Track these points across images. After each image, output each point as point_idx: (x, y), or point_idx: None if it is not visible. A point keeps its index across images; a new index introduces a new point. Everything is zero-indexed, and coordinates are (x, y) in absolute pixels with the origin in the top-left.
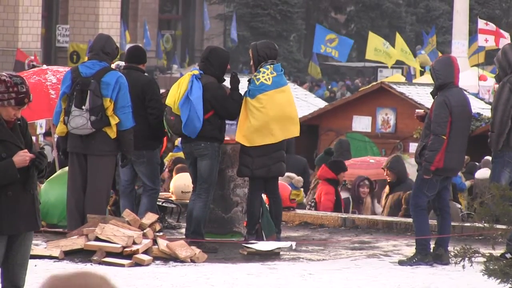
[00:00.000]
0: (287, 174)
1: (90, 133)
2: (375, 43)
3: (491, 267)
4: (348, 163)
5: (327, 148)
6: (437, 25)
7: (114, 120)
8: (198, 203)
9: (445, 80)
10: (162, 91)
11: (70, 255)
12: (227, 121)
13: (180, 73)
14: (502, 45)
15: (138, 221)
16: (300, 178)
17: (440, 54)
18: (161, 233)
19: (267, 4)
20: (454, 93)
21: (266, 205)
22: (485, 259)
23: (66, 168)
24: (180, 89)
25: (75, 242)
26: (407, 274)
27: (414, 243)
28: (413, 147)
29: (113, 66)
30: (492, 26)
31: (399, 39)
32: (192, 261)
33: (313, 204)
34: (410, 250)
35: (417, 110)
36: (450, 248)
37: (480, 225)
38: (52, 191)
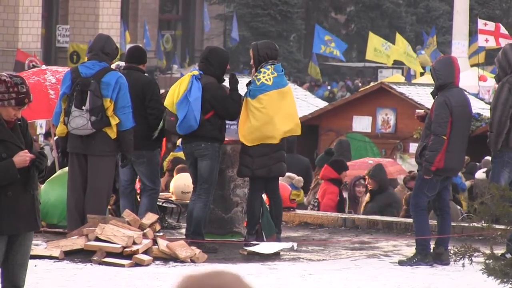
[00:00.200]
0: (287, 174)
1: (90, 134)
2: (375, 43)
3: (491, 266)
4: (347, 164)
5: (327, 148)
6: (437, 25)
7: (114, 121)
8: (198, 203)
9: (445, 80)
10: (162, 91)
11: (70, 255)
12: (227, 122)
13: (180, 73)
14: (503, 45)
15: (138, 221)
16: (300, 178)
17: (441, 55)
18: (161, 233)
19: (267, 4)
20: (455, 94)
21: (266, 205)
22: (485, 258)
23: (66, 168)
24: (179, 90)
25: (75, 242)
26: (407, 274)
27: (414, 243)
28: (413, 147)
29: (113, 66)
30: (491, 26)
31: (399, 39)
32: (192, 261)
33: (316, 204)
34: (410, 250)
35: (417, 110)
36: (450, 247)
37: (479, 225)
38: (52, 191)
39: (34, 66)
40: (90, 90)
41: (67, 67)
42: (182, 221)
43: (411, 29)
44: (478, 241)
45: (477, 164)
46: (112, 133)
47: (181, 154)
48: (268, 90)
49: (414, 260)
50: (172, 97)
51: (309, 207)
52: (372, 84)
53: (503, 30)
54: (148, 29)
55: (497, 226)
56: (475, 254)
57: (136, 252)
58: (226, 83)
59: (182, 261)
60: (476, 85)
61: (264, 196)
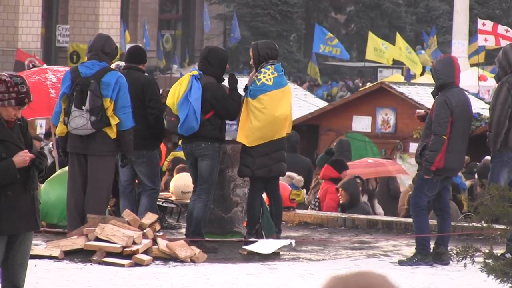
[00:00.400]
0: (288, 173)
1: (90, 134)
2: (374, 43)
3: (491, 265)
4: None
5: (328, 148)
6: (437, 25)
7: (114, 120)
8: (198, 203)
9: (446, 80)
10: (162, 91)
11: (70, 255)
12: (227, 122)
13: (180, 73)
14: (502, 45)
15: (138, 221)
16: (300, 178)
17: (442, 54)
18: (161, 233)
19: (267, 4)
20: (455, 93)
21: (266, 205)
22: (485, 257)
23: (66, 168)
24: (180, 90)
25: (75, 242)
26: (407, 274)
27: (414, 243)
28: (413, 147)
29: (113, 66)
30: (489, 26)
31: (400, 40)
32: (192, 261)
33: (317, 204)
34: (410, 250)
35: (417, 110)
36: (451, 248)
37: (479, 225)
38: (52, 191)
39: (34, 66)
40: (90, 90)
41: (67, 67)
42: (182, 221)
43: (411, 29)
44: (478, 241)
45: (477, 164)
46: (112, 133)
47: (181, 154)
48: (269, 90)
49: (414, 260)
50: (173, 98)
51: (309, 207)
52: (369, 84)
53: (500, 30)
54: (148, 29)
55: (496, 226)
56: (476, 254)
57: (136, 252)
58: (226, 83)
59: (182, 261)
60: (476, 85)
61: (264, 196)
